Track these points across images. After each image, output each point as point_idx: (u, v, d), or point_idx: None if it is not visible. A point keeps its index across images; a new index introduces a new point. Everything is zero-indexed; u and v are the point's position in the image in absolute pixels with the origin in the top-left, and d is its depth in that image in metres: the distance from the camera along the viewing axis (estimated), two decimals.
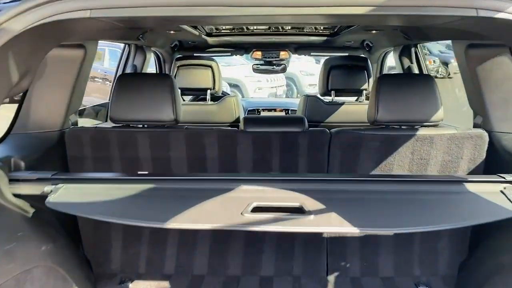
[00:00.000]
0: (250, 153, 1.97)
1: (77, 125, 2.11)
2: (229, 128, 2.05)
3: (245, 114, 4.39)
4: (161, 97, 1.90)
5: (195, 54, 3.53)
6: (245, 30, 3.32)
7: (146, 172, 1.98)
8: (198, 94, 3.64)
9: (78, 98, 2.07)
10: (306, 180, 1.59)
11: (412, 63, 3.08)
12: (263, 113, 4.36)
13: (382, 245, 2.06)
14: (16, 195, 1.58)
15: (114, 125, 1.97)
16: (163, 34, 2.88)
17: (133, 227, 2.06)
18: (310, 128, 1.99)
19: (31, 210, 1.63)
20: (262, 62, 4.10)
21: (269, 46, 3.81)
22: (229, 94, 4.08)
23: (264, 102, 4.70)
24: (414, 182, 1.58)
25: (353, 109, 3.14)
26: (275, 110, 4.40)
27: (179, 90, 1.93)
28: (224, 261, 2.08)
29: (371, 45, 3.47)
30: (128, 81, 1.96)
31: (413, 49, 3.07)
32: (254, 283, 2.04)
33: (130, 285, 2.02)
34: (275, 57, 3.88)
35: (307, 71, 12.40)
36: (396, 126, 1.96)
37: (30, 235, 1.56)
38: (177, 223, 1.37)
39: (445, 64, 15.58)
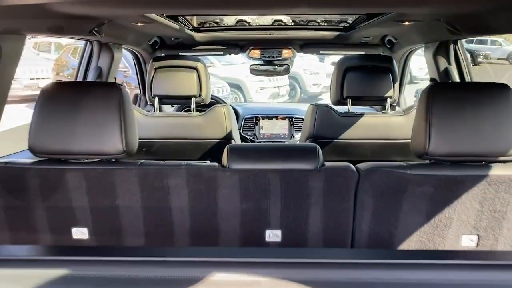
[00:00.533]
0: (236, 201, 1.33)
1: None
2: (204, 164, 1.40)
3: (241, 123, 3.74)
4: (103, 118, 1.27)
5: (180, 54, 2.88)
6: (239, 24, 2.69)
7: (85, 231, 1.35)
8: (180, 102, 3.00)
9: None
10: (319, 264, 0.95)
11: (450, 64, 2.43)
12: (262, 122, 3.71)
13: None
14: None
15: (35, 159, 1.33)
16: (131, 28, 2.24)
17: None
18: (327, 163, 1.35)
19: None
20: (261, 62, 3.44)
21: (269, 43, 3.16)
22: (219, 102, 3.43)
23: (264, 108, 4.05)
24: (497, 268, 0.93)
25: (375, 122, 2.49)
26: (276, 118, 3.75)
27: (131, 106, 1.28)
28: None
29: (394, 41, 2.82)
30: (56, 95, 1.33)
31: (452, 47, 2.41)
32: None
33: None
34: (277, 56, 3.22)
35: (311, 70, 11.87)
36: (458, 162, 1.32)
37: None
38: None
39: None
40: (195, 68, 2.54)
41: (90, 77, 2.44)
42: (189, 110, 2.99)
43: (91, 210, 1.33)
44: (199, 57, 2.65)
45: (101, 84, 1.32)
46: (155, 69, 2.55)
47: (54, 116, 1.26)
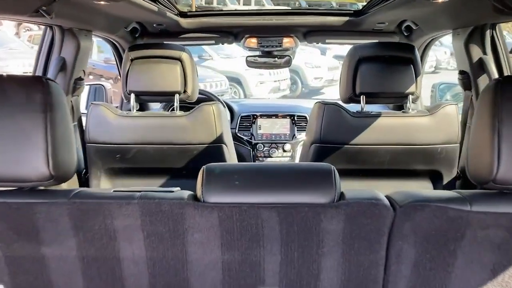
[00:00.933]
0: (215, 250, 0.93)
1: None
2: (167, 194, 0.99)
3: (237, 122, 3.32)
4: (20, 128, 0.86)
5: (165, 42, 2.45)
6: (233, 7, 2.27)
7: None
8: (161, 100, 2.58)
9: None
10: None
11: (485, 53, 2.01)
12: (260, 121, 3.30)
13: None
14: None
15: None
16: (96, 9, 1.82)
17: None
18: (348, 196, 0.94)
19: None
20: (259, 53, 3.01)
21: (267, 31, 2.74)
22: (211, 98, 3.01)
23: (262, 105, 3.63)
24: None
25: (395, 124, 2.08)
26: (276, 116, 3.34)
27: (66, 110, 0.86)
28: None
29: (414, 27, 2.40)
30: None
31: (488, 32, 1.99)
32: None
33: None
34: (277, 46, 2.80)
35: (312, 63, 11.56)
36: None
37: None
38: None
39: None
40: (179, 59, 2.13)
41: (51, 70, 2.01)
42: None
43: (7, 260, 0.94)
44: (185, 46, 2.22)
45: (19, 78, 0.91)
46: (131, 60, 2.13)
47: None
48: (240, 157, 3.19)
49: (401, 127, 2.05)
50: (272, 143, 3.27)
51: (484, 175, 0.89)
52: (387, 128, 2.05)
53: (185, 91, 2.14)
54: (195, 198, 0.97)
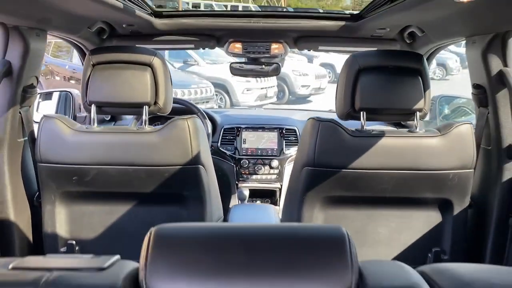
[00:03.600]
0: None
1: None
2: (91, 272, 0.66)
3: (220, 134, 3.01)
4: None
5: (135, 46, 2.13)
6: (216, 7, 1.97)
7: None
8: (127, 112, 2.25)
9: None
10: None
11: (506, 65, 1.74)
12: (245, 134, 3.00)
13: None
14: None
15: None
16: (49, 4, 1.50)
17: None
18: (369, 276, 0.64)
19: None
20: (244, 59, 2.72)
21: (254, 35, 2.44)
22: (191, 110, 2.70)
23: (247, 116, 3.32)
24: None
25: (401, 145, 1.78)
26: (263, 129, 3.04)
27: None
28: None
29: (419, 34, 2.12)
30: None
31: (511, 41, 1.72)
32: None
33: None
34: (264, 52, 2.50)
35: (299, 71, 11.46)
36: None
37: None
38: None
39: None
40: (149, 65, 1.81)
41: None
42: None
43: None
44: (157, 50, 1.91)
45: None
46: (93, 65, 1.81)
47: None
48: (222, 175, 2.88)
49: (408, 150, 1.76)
50: (258, 158, 2.97)
51: None
52: (391, 150, 1.76)
53: (155, 103, 1.82)
54: (135, 283, 0.65)
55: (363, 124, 1.79)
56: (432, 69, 13.52)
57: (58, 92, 3.01)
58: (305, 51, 2.86)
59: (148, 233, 0.67)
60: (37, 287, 0.61)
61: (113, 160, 1.76)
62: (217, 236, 0.66)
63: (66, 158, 1.75)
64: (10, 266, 0.67)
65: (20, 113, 1.83)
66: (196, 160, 1.79)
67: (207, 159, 1.89)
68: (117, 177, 1.78)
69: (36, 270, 0.65)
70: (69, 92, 2.96)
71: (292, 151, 2.93)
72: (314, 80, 11.55)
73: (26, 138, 1.90)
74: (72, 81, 8.77)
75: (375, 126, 2.48)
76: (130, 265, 0.69)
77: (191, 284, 0.62)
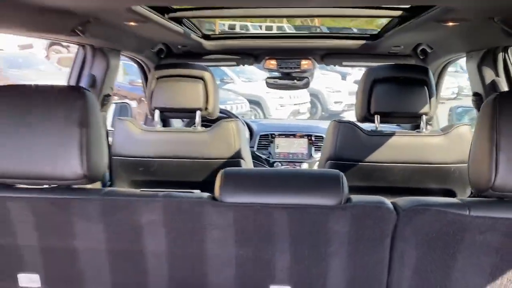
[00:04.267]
0: (230, 246, 1.01)
1: None
2: (188, 195, 1.07)
3: (256, 141, 3.42)
4: (58, 132, 0.96)
5: (189, 62, 2.59)
6: (253, 30, 2.39)
7: (35, 277, 1.04)
8: (184, 116, 2.69)
9: None
10: None
11: (498, 75, 2.06)
12: (278, 140, 3.39)
13: None
14: None
15: None
16: (125, 31, 1.96)
17: None
18: (355, 200, 1.02)
19: None
20: (278, 74, 3.12)
21: (286, 53, 2.85)
22: (230, 117, 3.12)
23: (281, 125, 3.71)
24: None
25: (409, 143, 2.13)
26: (294, 135, 3.42)
27: (99, 117, 0.96)
28: None
29: (429, 51, 2.47)
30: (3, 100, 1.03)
31: (501, 55, 2.05)
32: None
33: None
34: (295, 67, 2.90)
35: (332, 88, 11.67)
36: None
37: None
38: None
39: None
40: (202, 78, 2.24)
41: (82, 86, 2.16)
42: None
43: (42, 251, 1.03)
44: (208, 66, 2.34)
45: (59, 88, 1.02)
46: (157, 78, 2.26)
47: None
48: None
49: (415, 146, 2.10)
50: (289, 162, 3.35)
51: (483, 183, 0.94)
52: (400, 146, 2.10)
53: (206, 108, 2.25)
54: (213, 198, 1.05)
55: (377, 125, 2.14)
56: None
57: (114, 104, 3.52)
58: (339, 68, 3.24)
59: (220, 172, 1.07)
60: (159, 197, 1.02)
61: (173, 154, 2.18)
62: (262, 172, 1.05)
63: (135, 152, 2.19)
64: (139, 190, 1.07)
65: None
66: (238, 155, 2.19)
67: (247, 154, 2.29)
68: (175, 168, 2.20)
69: (155, 191, 1.06)
70: (127, 103, 3.47)
71: (319, 155, 3.30)
72: (347, 97, 11.65)
73: None
74: (116, 97, 9.45)
75: (390, 128, 2.82)
76: (208, 193, 1.09)
77: (247, 197, 1.01)
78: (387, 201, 1.03)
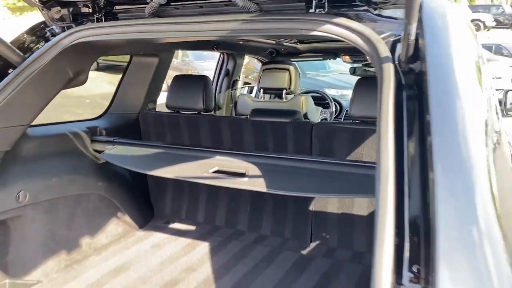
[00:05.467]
0: (252, 137, 2.54)
1: (155, 110, 3.00)
2: (240, 117, 2.64)
3: (343, 113, 4.79)
4: (195, 92, 2.62)
5: (281, 59, 4.16)
6: None
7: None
8: (276, 93, 4.25)
9: (154, 91, 2.96)
10: (252, 155, 2.08)
11: None
12: None
13: (357, 224, 2.37)
14: (95, 150, 2.53)
15: (168, 111, 2.78)
16: (244, 44, 3.61)
17: (180, 185, 2.85)
18: (297, 120, 2.45)
19: (100, 161, 2.56)
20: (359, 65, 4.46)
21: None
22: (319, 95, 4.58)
23: None
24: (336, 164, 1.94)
25: None
26: None
27: (212, 87, 2.64)
28: (235, 218, 2.71)
29: None
30: (178, 81, 2.75)
31: None
32: (254, 237, 2.60)
33: (173, 225, 2.82)
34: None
35: None
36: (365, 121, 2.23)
37: (90, 173, 2.47)
38: (167, 173, 2.08)
39: None
40: (288, 69, 3.78)
41: (222, 76, 3.91)
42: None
43: (189, 134, 2.73)
44: (293, 62, 3.87)
45: (194, 76, 2.68)
46: (263, 70, 3.88)
47: (175, 92, 2.67)
48: None
49: None
50: None
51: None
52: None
53: (289, 88, 3.77)
54: (246, 118, 2.63)
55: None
56: None
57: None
58: None
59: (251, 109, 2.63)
60: None
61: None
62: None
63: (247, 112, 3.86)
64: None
65: (230, 92, 4.04)
66: (305, 116, 3.66)
67: (312, 116, 3.74)
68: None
69: None
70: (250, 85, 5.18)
71: None
72: None
73: (232, 104, 4.10)
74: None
75: None
76: None
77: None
78: (310, 122, 2.42)
